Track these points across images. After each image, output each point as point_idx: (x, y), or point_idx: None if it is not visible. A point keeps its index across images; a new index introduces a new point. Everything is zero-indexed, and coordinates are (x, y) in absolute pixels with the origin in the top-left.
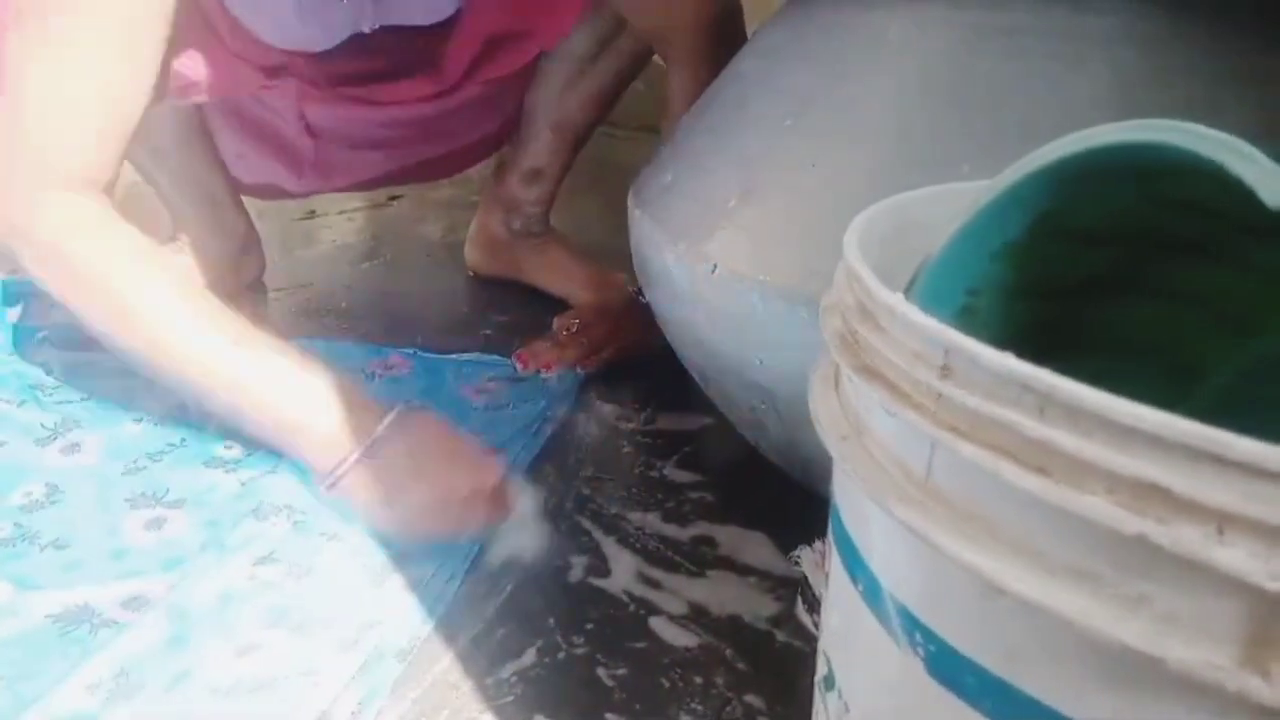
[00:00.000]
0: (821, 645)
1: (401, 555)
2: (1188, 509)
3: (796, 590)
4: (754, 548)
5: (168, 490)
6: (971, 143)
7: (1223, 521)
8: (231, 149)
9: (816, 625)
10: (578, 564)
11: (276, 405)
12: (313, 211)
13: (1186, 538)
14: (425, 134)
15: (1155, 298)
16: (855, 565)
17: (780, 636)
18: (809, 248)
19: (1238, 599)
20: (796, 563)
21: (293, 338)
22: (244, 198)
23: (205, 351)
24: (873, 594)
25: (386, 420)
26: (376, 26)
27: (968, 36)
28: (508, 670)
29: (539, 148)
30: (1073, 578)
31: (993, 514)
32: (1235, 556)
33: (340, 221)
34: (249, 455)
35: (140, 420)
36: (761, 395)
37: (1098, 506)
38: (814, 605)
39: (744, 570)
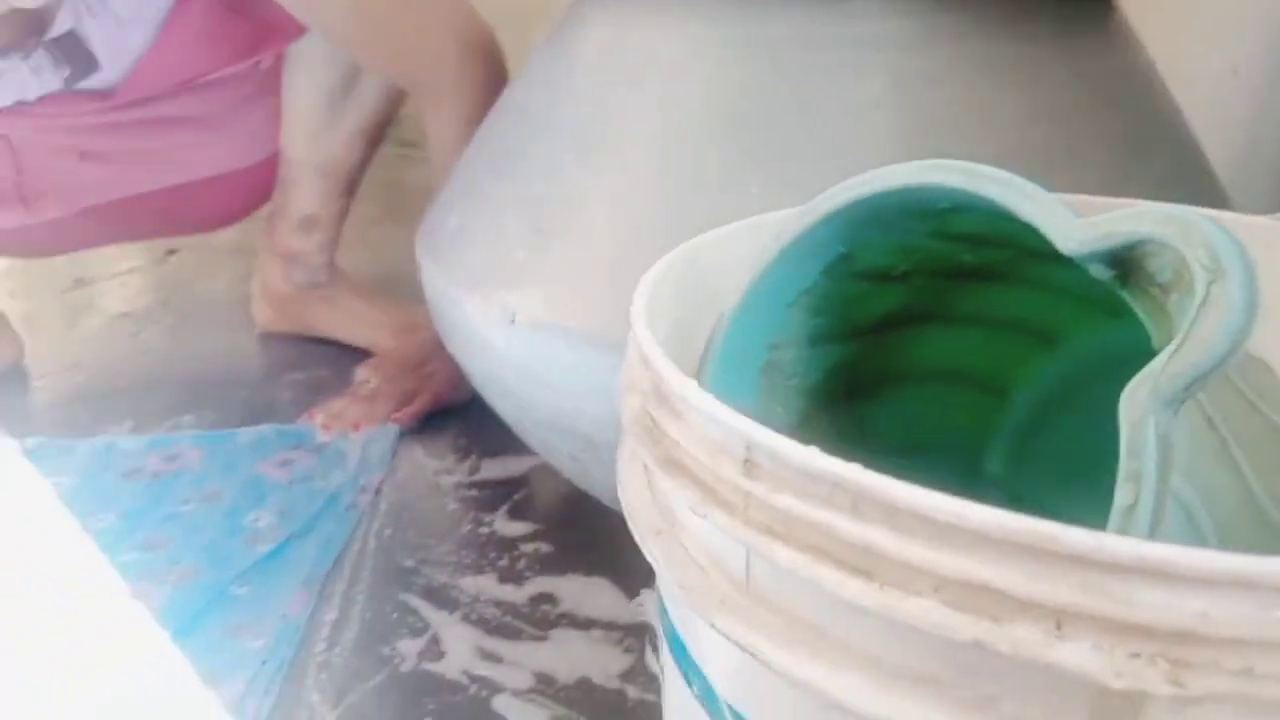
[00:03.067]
0: None
1: (211, 672)
2: (1022, 607)
3: (644, 638)
4: (597, 597)
5: None
6: (756, 161)
7: (1060, 617)
8: None
9: None
10: (408, 650)
11: None
12: (80, 280)
13: (1024, 639)
14: (140, 151)
15: (958, 323)
16: (688, 668)
17: (633, 693)
18: (610, 288)
19: (1086, 694)
20: (641, 607)
21: (60, 433)
22: None
23: None
24: (709, 699)
25: None
26: (43, 95)
27: (740, 52)
28: None
29: (306, 195)
30: (912, 684)
31: (821, 620)
32: (1077, 654)
33: (113, 287)
34: None
35: None
36: (582, 444)
37: (927, 610)
38: None
39: (588, 624)
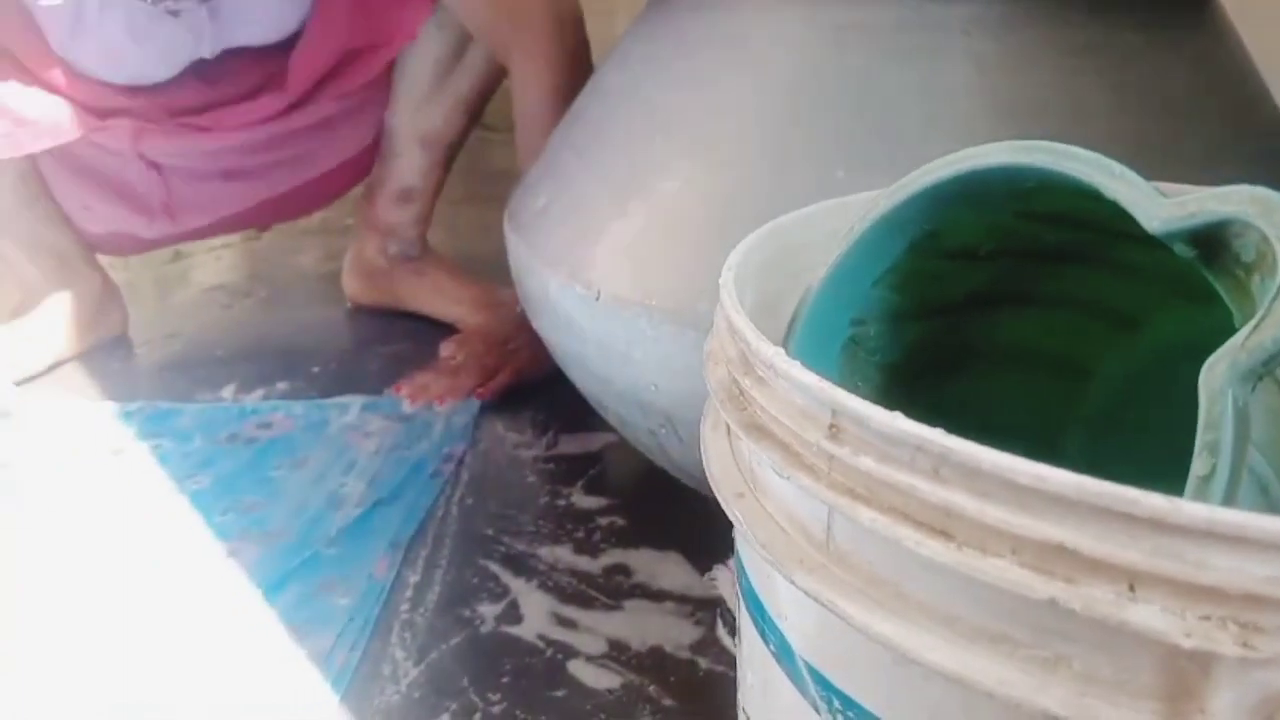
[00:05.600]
0: (740, 699)
1: (299, 628)
2: (1097, 568)
3: (715, 612)
4: (669, 570)
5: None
6: (842, 145)
7: (1133, 579)
8: (75, 201)
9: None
10: (488, 613)
11: None
12: (179, 253)
13: (1097, 598)
14: (280, 161)
15: (1040, 304)
16: (765, 625)
17: (704, 664)
18: (693, 267)
19: (1156, 655)
20: (713, 582)
21: (160, 398)
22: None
23: None
24: (785, 655)
25: None
26: (219, 51)
27: (826, 36)
28: None
29: (407, 166)
30: (986, 642)
31: (899, 579)
32: (1148, 614)
33: (209, 261)
34: None
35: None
36: (660, 420)
37: (1004, 570)
38: (734, 626)
39: (661, 596)
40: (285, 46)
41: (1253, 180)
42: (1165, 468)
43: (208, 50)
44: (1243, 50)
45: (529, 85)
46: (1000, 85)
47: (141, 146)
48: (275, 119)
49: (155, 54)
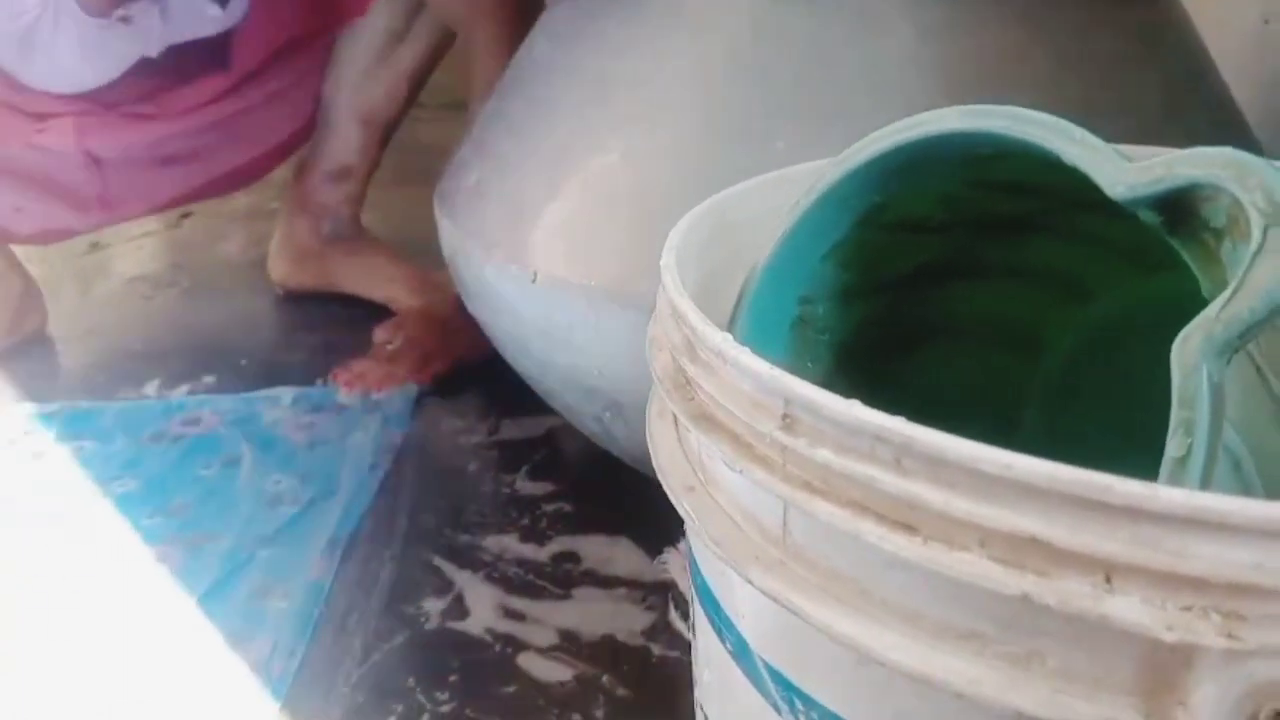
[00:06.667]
0: (697, 697)
1: (235, 634)
2: (1071, 560)
3: (667, 596)
4: (619, 556)
5: None
6: (782, 117)
7: (1110, 570)
8: (6, 204)
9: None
10: (433, 608)
11: None
12: (96, 244)
13: (1073, 592)
14: (220, 142)
15: (993, 276)
16: (721, 624)
17: (657, 650)
18: (631, 245)
19: (1135, 648)
20: (664, 566)
21: (81, 397)
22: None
23: None
24: (743, 654)
25: None
26: (164, 48)
27: (765, 4)
28: None
29: (344, 143)
30: (954, 640)
31: (860, 575)
32: (1128, 607)
33: (130, 251)
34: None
35: None
36: (605, 404)
37: (972, 564)
38: (687, 610)
39: (611, 583)
40: (228, 32)
41: (1199, 141)
42: (1123, 437)
43: (155, 49)
44: (1186, 19)
45: (489, 56)
46: (945, 53)
47: (86, 143)
48: (219, 100)
49: (104, 63)
